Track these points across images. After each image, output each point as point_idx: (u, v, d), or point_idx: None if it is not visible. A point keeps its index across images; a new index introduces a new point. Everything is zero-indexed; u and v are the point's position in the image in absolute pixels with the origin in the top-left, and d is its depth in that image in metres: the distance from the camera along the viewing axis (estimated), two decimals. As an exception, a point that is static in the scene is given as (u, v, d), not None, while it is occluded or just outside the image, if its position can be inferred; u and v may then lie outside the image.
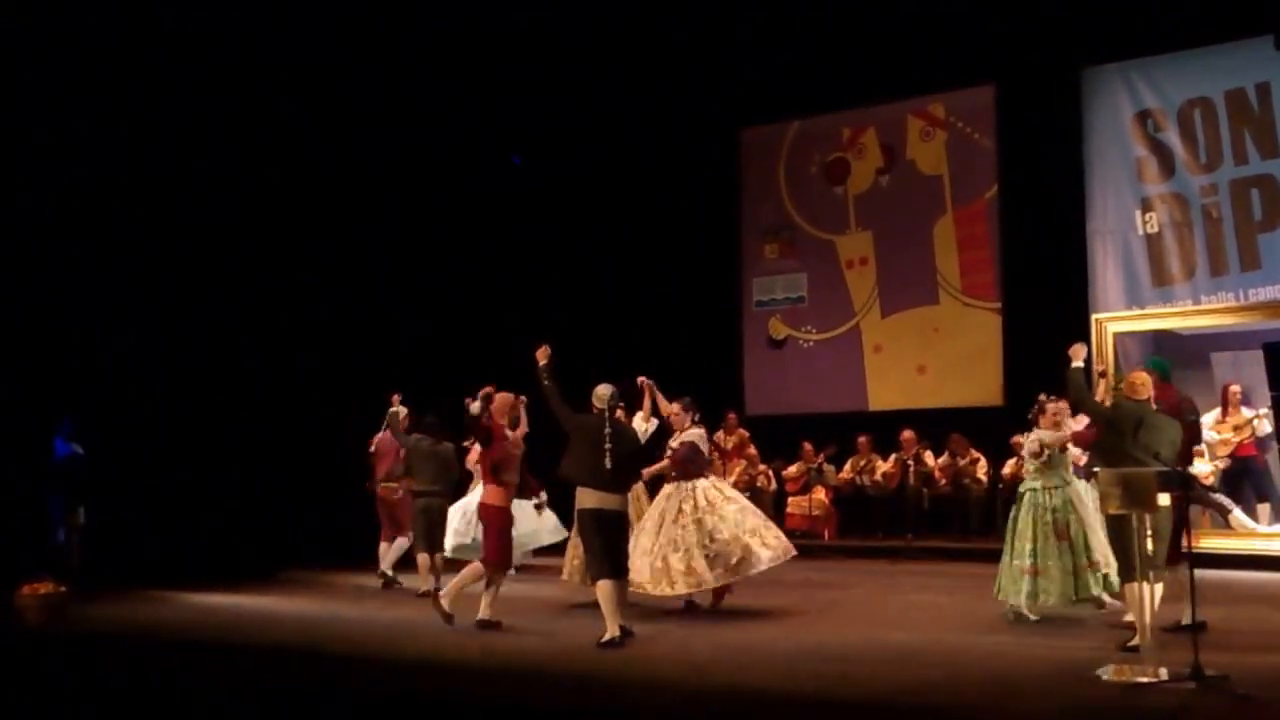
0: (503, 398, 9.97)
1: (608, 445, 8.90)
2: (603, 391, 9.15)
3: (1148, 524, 7.83)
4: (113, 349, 14.47)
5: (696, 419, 10.54)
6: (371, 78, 16.31)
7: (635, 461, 9.36)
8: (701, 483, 10.20)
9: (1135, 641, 7.93)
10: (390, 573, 12.83)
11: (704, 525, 9.94)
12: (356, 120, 16.43)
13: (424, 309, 16.99)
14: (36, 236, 13.84)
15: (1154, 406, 8.60)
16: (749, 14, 16.36)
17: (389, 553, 12.94)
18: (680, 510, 10.05)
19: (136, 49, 14.30)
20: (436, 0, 15.98)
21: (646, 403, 10.90)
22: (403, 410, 12.50)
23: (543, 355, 9.42)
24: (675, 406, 10.55)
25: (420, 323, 16.86)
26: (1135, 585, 7.94)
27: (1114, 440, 8.36)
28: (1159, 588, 8.05)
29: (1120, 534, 8.09)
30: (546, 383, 9.35)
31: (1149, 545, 7.86)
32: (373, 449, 13.24)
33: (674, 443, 10.46)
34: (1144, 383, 8.57)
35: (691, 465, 10.29)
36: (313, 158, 16.02)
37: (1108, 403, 9.40)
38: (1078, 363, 8.86)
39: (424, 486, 12.03)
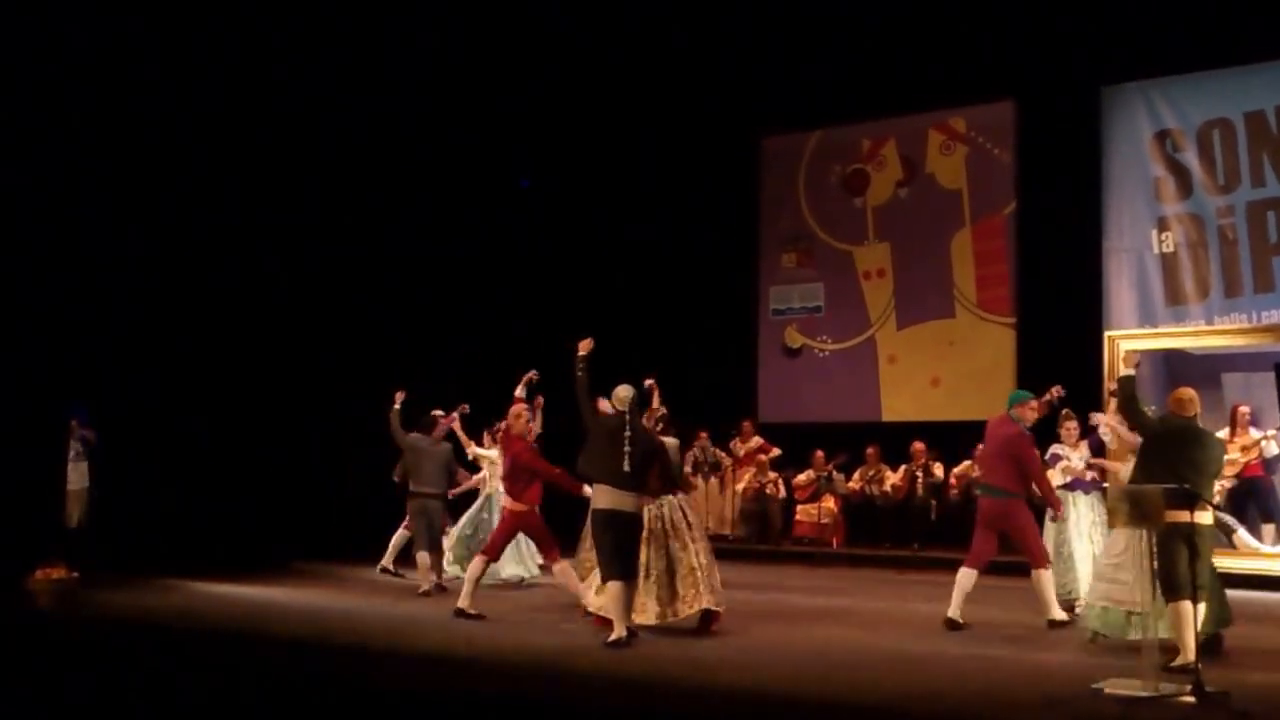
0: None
1: (627, 447, 8.91)
2: (624, 393, 9.17)
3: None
4: (129, 335, 14.55)
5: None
6: (387, 85, 16.38)
7: (652, 464, 9.40)
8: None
9: (1180, 661, 7.67)
10: (391, 566, 13.03)
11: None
12: (379, 125, 16.52)
13: (441, 312, 17.07)
14: (52, 222, 13.91)
15: (1200, 423, 8.46)
16: (771, 23, 16.42)
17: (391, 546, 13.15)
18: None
19: (139, 49, 14.38)
20: (457, 6, 16.07)
21: (655, 404, 10.93)
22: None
23: (584, 347, 9.45)
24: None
25: (439, 326, 16.94)
26: (1180, 604, 7.77)
27: (1160, 456, 8.19)
28: (1202, 607, 7.92)
29: (1165, 551, 7.79)
30: (580, 374, 9.37)
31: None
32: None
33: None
34: (1191, 399, 8.35)
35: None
36: (331, 154, 16.10)
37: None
38: (1129, 370, 8.83)
39: (422, 487, 12.07)
